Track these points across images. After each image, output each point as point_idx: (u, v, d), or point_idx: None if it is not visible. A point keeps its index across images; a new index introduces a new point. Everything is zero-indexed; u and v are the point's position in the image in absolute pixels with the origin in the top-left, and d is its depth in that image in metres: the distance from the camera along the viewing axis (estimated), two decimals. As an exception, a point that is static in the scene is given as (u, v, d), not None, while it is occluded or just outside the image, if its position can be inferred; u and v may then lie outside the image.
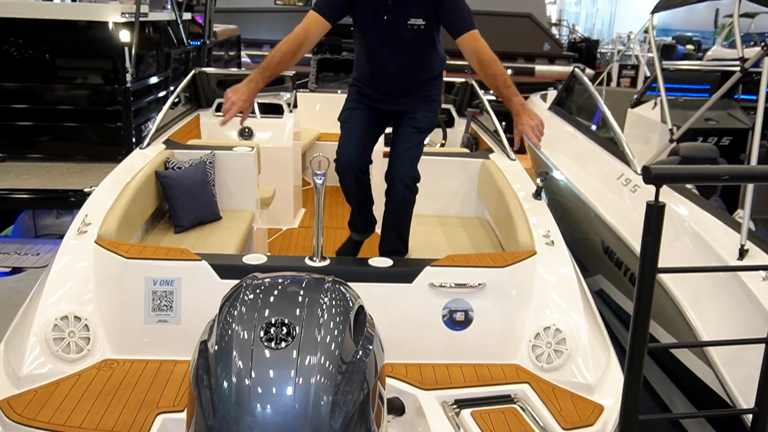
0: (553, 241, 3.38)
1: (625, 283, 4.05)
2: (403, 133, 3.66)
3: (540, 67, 13.33)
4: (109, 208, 3.53)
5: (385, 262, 3.16)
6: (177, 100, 5.60)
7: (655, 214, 2.00)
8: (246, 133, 5.93)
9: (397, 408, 2.80)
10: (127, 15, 5.67)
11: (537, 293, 3.14)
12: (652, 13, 5.20)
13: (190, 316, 3.08)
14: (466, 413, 2.70)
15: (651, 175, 2.01)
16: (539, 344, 3.03)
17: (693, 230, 3.71)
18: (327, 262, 3.15)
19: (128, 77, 5.55)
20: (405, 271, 3.12)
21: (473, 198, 4.76)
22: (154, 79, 6.56)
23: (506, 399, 2.84)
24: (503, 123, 4.67)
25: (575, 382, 2.89)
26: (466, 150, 5.11)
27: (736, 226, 3.52)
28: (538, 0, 15.37)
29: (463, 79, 6.17)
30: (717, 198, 4.04)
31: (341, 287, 2.04)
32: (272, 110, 6.00)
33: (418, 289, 3.10)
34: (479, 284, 3.10)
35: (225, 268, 3.11)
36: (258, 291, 1.95)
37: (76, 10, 5.97)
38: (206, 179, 4.40)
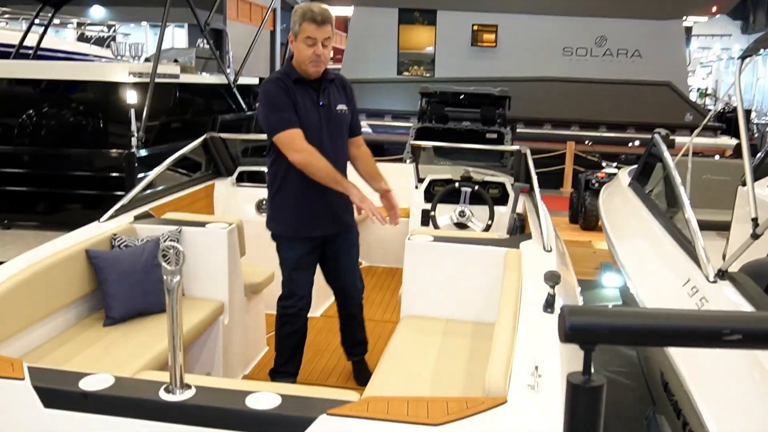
0: (537, 384, 2.23)
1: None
2: (345, 253, 3.81)
3: (681, 139, 11.94)
4: None
5: (268, 400, 2.16)
6: (186, 164, 4.95)
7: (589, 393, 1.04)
8: (264, 206, 5.16)
9: None
10: (136, 75, 5.16)
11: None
12: (741, 58, 3.92)
13: None
14: None
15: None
16: None
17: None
18: (190, 393, 2.20)
19: (133, 141, 4.99)
20: (290, 418, 2.10)
21: (494, 297, 3.65)
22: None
23: None
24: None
25: None
26: (499, 236, 4.02)
27: None
28: (680, 67, 14.00)
29: (516, 147, 5.09)
30: None
31: None
32: None
33: None
34: None
35: (53, 393, 2.24)
36: None
37: (78, 69, 5.56)
38: (155, 262, 3.60)
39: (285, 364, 3.83)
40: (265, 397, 2.18)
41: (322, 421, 2.07)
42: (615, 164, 9.86)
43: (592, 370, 1.15)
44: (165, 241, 3.73)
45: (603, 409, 1.14)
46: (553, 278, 2.70)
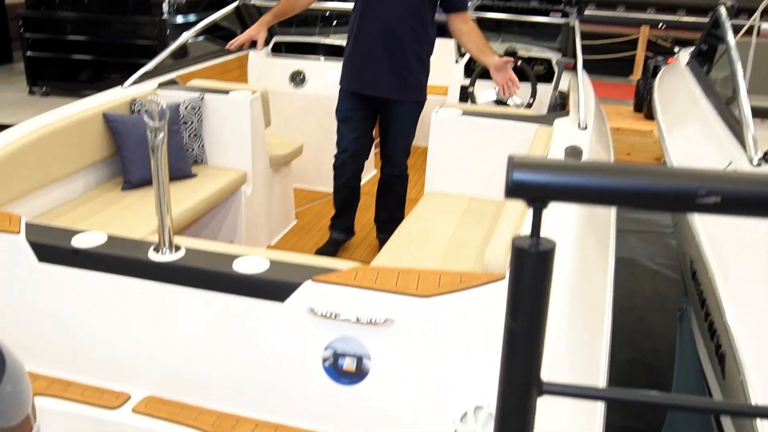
0: None
1: (704, 332, 2.62)
2: (393, 125, 3.73)
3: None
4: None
5: (256, 264, 2.10)
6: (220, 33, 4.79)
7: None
8: (299, 78, 5.00)
9: None
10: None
11: (481, 345, 1.92)
12: None
13: (1, 305, 2.26)
14: None
15: None
16: None
17: None
18: (179, 255, 2.16)
19: (165, 7, 4.83)
20: (275, 283, 2.04)
21: None
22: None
23: None
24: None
25: None
26: (534, 113, 3.77)
27: None
28: None
29: (563, 20, 4.71)
30: None
31: None
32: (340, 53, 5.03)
33: (291, 314, 2.01)
34: (385, 320, 1.94)
35: (47, 249, 2.23)
36: None
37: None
38: (174, 128, 3.53)
39: (336, 217, 4.06)
40: (253, 261, 2.11)
41: (307, 287, 2.00)
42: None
43: (542, 234, 0.99)
44: (186, 108, 3.64)
45: (551, 277, 0.99)
46: (573, 153, 2.50)
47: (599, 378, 1.91)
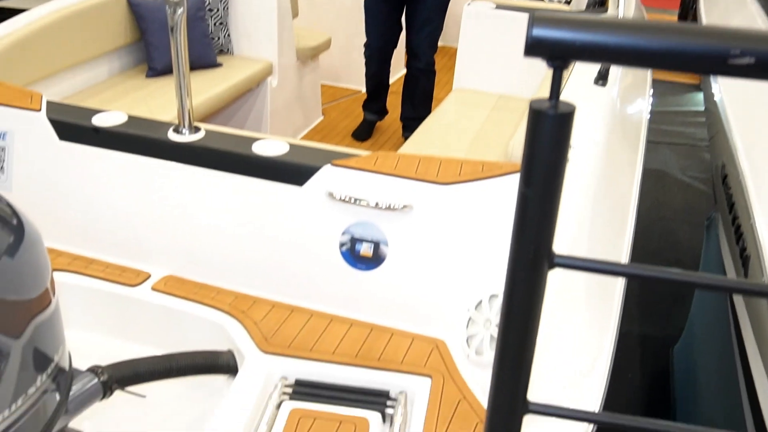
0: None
1: (731, 237, 2.57)
2: (419, 14, 3.65)
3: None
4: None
5: (275, 147, 2.07)
6: None
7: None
8: None
9: (224, 366, 1.84)
10: None
11: (499, 235, 1.90)
12: None
13: (23, 183, 2.28)
14: (293, 410, 1.66)
15: None
16: (477, 320, 1.84)
17: None
18: (198, 135, 2.14)
19: None
20: (295, 166, 2.01)
21: None
22: None
23: (375, 401, 1.73)
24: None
25: None
26: (570, 9, 3.62)
27: None
28: None
29: None
30: None
31: None
32: None
33: (309, 197, 2.00)
34: (404, 206, 1.92)
35: (68, 126, 2.22)
36: None
37: None
38: (199, 15, 3.45)
39: (368, 101, 4.19)
40: (273, 144, 2.09)
41: (327, 170, 1.98)
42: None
43: (561, 96, 0.93)
44: (211, -7, 3.55)
45: (568, 143, 0.94)
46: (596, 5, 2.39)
47: (622, 256, 1.90)
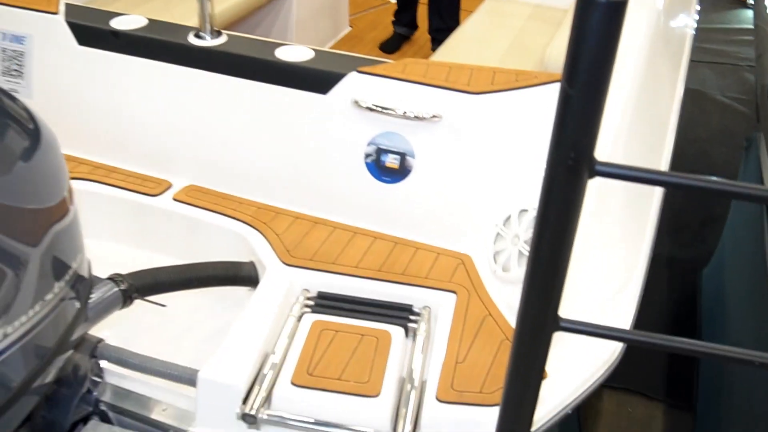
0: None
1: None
2: None
3: None
4: None
5: (299, 53, 1.98)
6: None
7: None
8: None
9: (245, 277, 1.83)
10: None
11: (532, 148, 1.82)
12: None
13: (43, 89, 2.23)
14: (314, 322, 1.64)
15: None
16: (506, 235, 1.78)
17: None
18: (220, 40, 2.05)
19: None
20: (318, 73, 1.93)
21: None
22: None
23: (398, 315, 1.70)
24: None
25: None
26: None
27: None
28: None
29: None
30: None
31: None
32: None
33: (335, 106, 1.92)
34: (432, 116, 1.84)
35: (86, 30, 2.15)
36: None
37: None
38: None
39: (398, 12, 4.06)
40: (297, 50, 2.00)
41: (352, 77, 1.89)
42: None
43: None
44: None
45: (619, 37, 0.85)
46: None
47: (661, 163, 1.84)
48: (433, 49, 3.88)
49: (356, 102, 1.89)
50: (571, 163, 0.90)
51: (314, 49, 2.00)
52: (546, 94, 1.82)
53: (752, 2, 4.02)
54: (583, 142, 0.89)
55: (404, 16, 4.06)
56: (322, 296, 1.74)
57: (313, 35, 3.82)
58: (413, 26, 4.11)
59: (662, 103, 2.26)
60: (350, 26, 4.27)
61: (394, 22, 4.09)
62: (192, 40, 2.05)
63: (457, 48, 2.76)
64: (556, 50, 1.96)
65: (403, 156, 1.89)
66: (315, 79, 1.93)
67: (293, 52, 1.98)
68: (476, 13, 3.17)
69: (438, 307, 1.71)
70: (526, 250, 1.70)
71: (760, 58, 3.62)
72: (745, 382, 2.38)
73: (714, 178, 0.92)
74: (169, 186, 2.09)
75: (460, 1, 3.82)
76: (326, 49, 2.04)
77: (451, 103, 1.83)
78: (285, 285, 1.73)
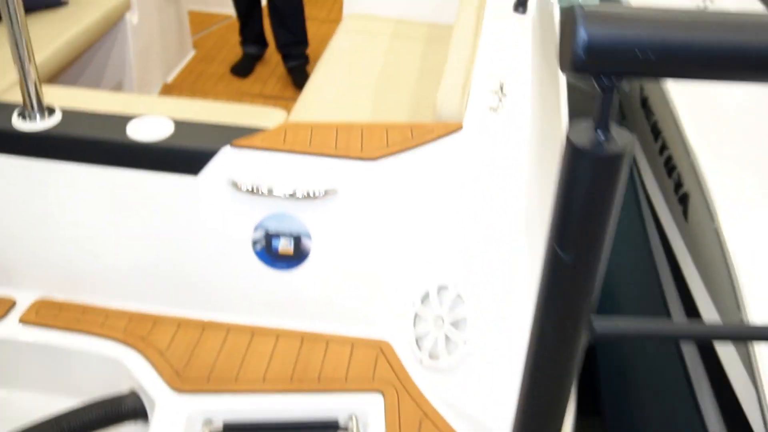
0: (501, 105, 1.75)
1: (659, 173, 2.41)
2: None
3: None
4: None
5: (157, 127, 1.66)
6: None
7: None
8: None
9: (129, 412, 1.51)
10: None
11: (440, 212, 1.62)
12: None
13: None
14: None
15: None
16: (425, 316, 1.58)
17: None
18: (53, 121, 1.68)
19: None
20: (184, 152, 1.63)
21: None
22: None
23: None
24: None
25: (469, 408, 1.47)
26: None
27: None
28: None
29: None
30: None
31: None
32: None
33: (209, 188, 1.63)
34: (325, 191, 1.59)
35: None
36: None
37: None
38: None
39: (243, 28, 3.68)
40: (153, 123, 1.68)
41: (226, 154, 1.61)
42: None
43: (613, 128, 0.65)
44: None
45: (620, 191, 0.67)
46: None
47: None
48: (288, 66, 3.59)
49: (235, 183, 1.60)
50: (566, 331, 0.72)
51: (174, 120, 1.69)
52: (445, 148, 1.63)
53: None
54: (580, 307, 0.71)
55: (250, 33, 3.71)
56: (229, 428, 1.46)
57: (155, 67, 3.44)
58: (262, 43, 3.79)
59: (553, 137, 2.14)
60: (194, 49, 3.90)
61: (241, 43, 3.75)
62: (17, 123, 1.67)
63: (327, 81, 2.50)
64: (446, 96, 1.76)
65: (297, 239, 1.64)
66: (181, 158, 1.62)
67: (149, 127, 1.66)
68: (338, 34, 2.93)
69: (366, 415, 1.48)
70: (453, 333, 1.51)
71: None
72: (645, 375, 2.37)
73: (722, 324, 0.78)
74: (11, 305, 1.71)
75: (304, 10, 3.53)
76: (189, 116, 1.72)
77: (345, 174, 1.59)
78: (181, 419, 1.44)
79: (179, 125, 1.68)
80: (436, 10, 3.04)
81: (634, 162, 3.00)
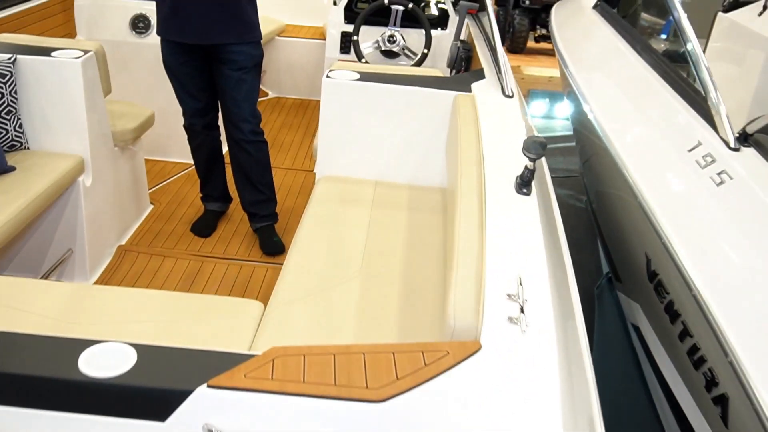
0: (521, 314, 1.52)
1: (668, 335, 2.19)
2: (228, 77, 3.06)
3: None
4: None
5: (115, 357, 1.37)
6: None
7: None
8: (142, 25, 4.04)
9: None
10: None
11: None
12: None
13: None
14: None
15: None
16: None
17: None
18: None
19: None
20: (148, 392, 1.33)
21: (436, 154, 2.88)
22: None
23: None
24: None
25: None
26: (442, 72, 3.15)
27: None
28: None
29: (460, -44, 4.08)
30: None
31: None
32: None
33: None
34: None
35: None
36: None
37: None
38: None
39: (204, 185, 3.48)
40: (110, 351, 1.38)
41: (200, 396, 1.32)
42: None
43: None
44: (-8, 76, 2.70)
45: None
46: (536, 148, 1.91)
47: None
48: (254, 227, 3.34)
49: (208, 428, 1.31)
50: None
51: (135, 346, 1.40)
52: (464, 375, 1.37)
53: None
54: None
55: (212, 190, 3.48)
56: None
57: (109, 229, 3.16)
58: (226, 199, 3.54)
59: None
60: (152, 203, 3.64)
61: (202, 198, 3.50)
62: None
63: (306, 264, 2.25)
64: (460, 306, 1.52)
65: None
66: (144, 400, 1.33)
67: (106, 357, 1.37)
68: (312, 202, 2.70)
69: None
70: None
71: (587, 163, 3.48)
72: None
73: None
74: None
75: (270, 164, 3.27)
76: (155, 341, 1.44)
77: (349, 419, 1.31)
78: None
79: (142, 351, 1.39)
80: (417, 171, 2.89)
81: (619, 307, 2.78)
